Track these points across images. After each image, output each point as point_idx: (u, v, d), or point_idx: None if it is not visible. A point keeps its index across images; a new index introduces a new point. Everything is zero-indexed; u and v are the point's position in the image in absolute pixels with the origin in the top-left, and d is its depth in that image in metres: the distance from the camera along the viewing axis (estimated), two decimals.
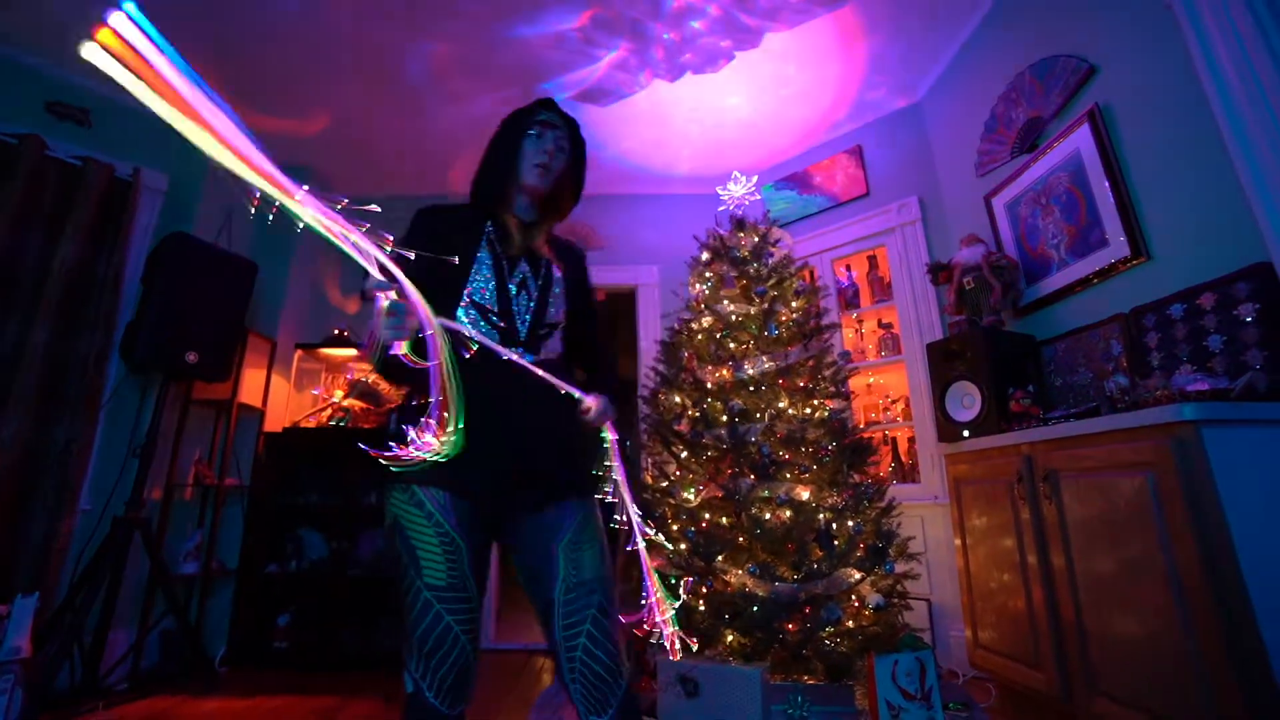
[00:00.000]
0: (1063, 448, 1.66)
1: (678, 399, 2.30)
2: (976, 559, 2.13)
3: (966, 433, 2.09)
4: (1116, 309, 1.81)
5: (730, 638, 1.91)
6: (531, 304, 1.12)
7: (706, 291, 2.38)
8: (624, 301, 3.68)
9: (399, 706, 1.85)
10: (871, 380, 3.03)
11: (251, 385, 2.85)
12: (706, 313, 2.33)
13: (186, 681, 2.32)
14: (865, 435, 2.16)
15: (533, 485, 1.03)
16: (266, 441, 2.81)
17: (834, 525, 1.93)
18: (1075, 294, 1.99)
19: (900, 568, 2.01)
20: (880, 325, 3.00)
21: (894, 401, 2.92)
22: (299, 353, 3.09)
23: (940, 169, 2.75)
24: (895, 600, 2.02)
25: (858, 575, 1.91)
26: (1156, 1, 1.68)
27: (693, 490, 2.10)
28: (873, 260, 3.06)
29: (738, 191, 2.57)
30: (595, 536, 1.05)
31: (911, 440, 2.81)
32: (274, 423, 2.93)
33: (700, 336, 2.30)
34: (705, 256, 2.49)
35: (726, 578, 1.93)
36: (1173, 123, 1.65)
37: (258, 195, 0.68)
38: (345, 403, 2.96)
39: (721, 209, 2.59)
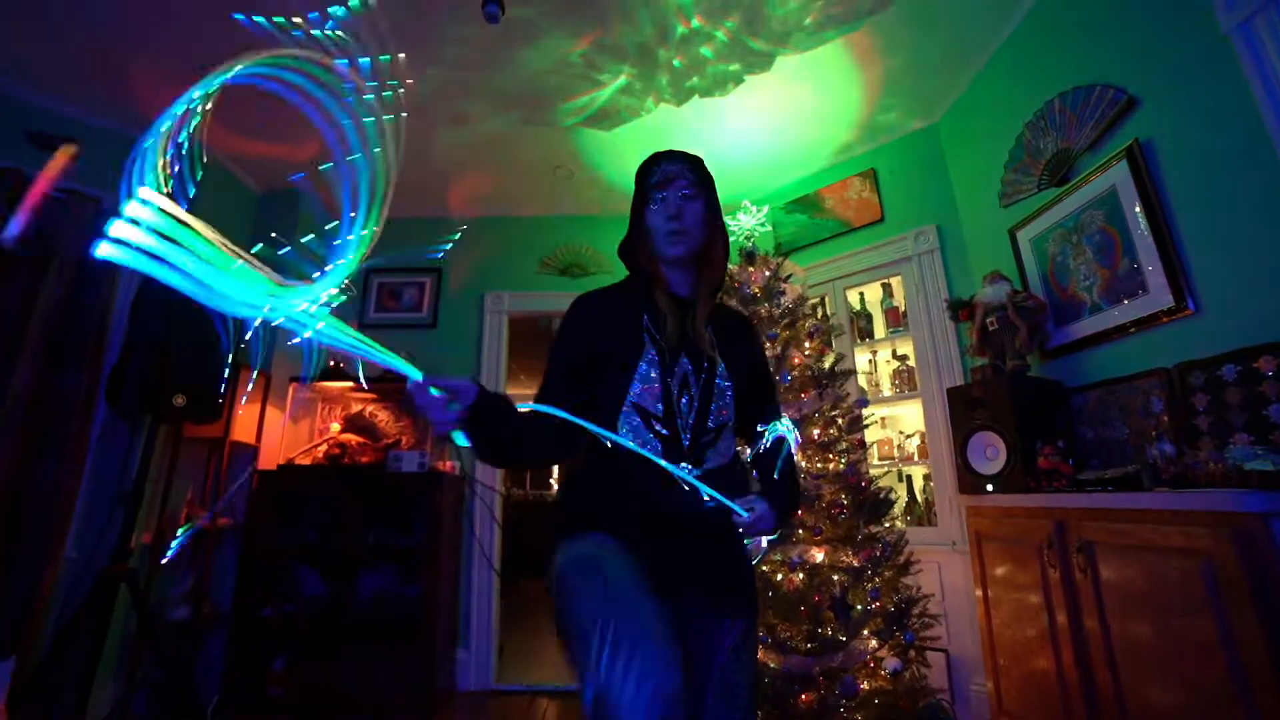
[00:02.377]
0: (1100, 518, 1.54)
1: None
2: (1000, 615, 2.01)
3: (990, 486, 1.97)
4: (1158, 362, 1.68)
5: None
6: (695, 406, 1.01)
7: None
8: None
9: None
10: (885, 414, 2.91)
11: (245, 421, 2.77)
12: None
13: None
14: (882, 488, 2.05)
15: (696, 585, 0.97)
16: (261, 479, 2.73)
17: (849, 592, 1.82)
18: (1110, 341, 1.86)
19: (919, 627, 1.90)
20: (895, 356, 2.88)
21: (909, 437, 2.80)
22: (293, 385, 3.00)
23: (960, 196, 2.62)
24: (913, 655, 1.91)
25: (875, 644, 1.80)
26: (1210, 30, 1.54)
27: None
28: (887, 287, 2.93)
29: (747, 223, 2.45)
30: (751, 657, 1.00)
31: (927, 478, 2.69)
32: (268, 459, 2.85)
33: None
34: None
35: None
36: (1227, 164, 1.52)
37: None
38: (342, 437, 2.87)
39: (730, 239, 2.47)
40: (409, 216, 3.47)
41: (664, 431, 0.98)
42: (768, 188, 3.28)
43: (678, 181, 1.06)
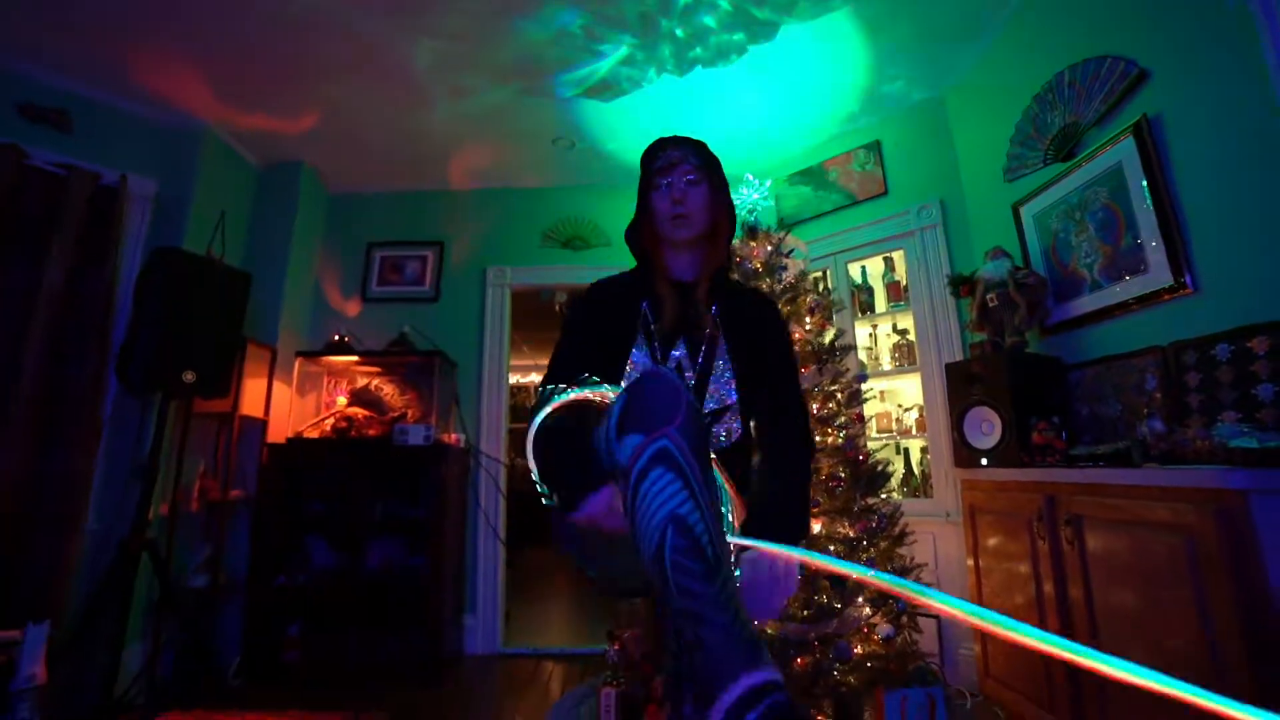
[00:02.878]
0: (1089, 493, 1.58)
1: None
2: (990, 584, 2.08)
3: (985, 461, 2.01)
4: (1154, 340, 1.70)
5: None
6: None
7: None
8: None
9: None
10: (884, 387, 2.94)
11: (252, 395, 2.81)
12: None
13: (200, 695, 2.35)
14: (879, 460, 2.09)
15: None
16: (270, 452, 2.79)
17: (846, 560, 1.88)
18: (1109, 319, 1.87)
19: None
20: (895, 330, 2.89)
21: (907, 410, 2.84)
22: (299, 359, 3.03)
23: (965, 170, 2.59)
24: (905, 621, 1.99)
25: (869, 611, 1.88)
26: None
27: None
28: (888, 261, 2.93)
29: (749, 196, 2.44)
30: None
31: (924, 450, 2.74)
32: (277, 432, 2.90)
33: None
34: None
35: None
36: (1237, 142, 1.51)
37: None
38: (349, 410, 2.91)
39: (736, 215, 2.46)
40: (410, 189, 3.45)
41: None
42: (771, 159, 3.24)
43: (681, 166, 1.08)
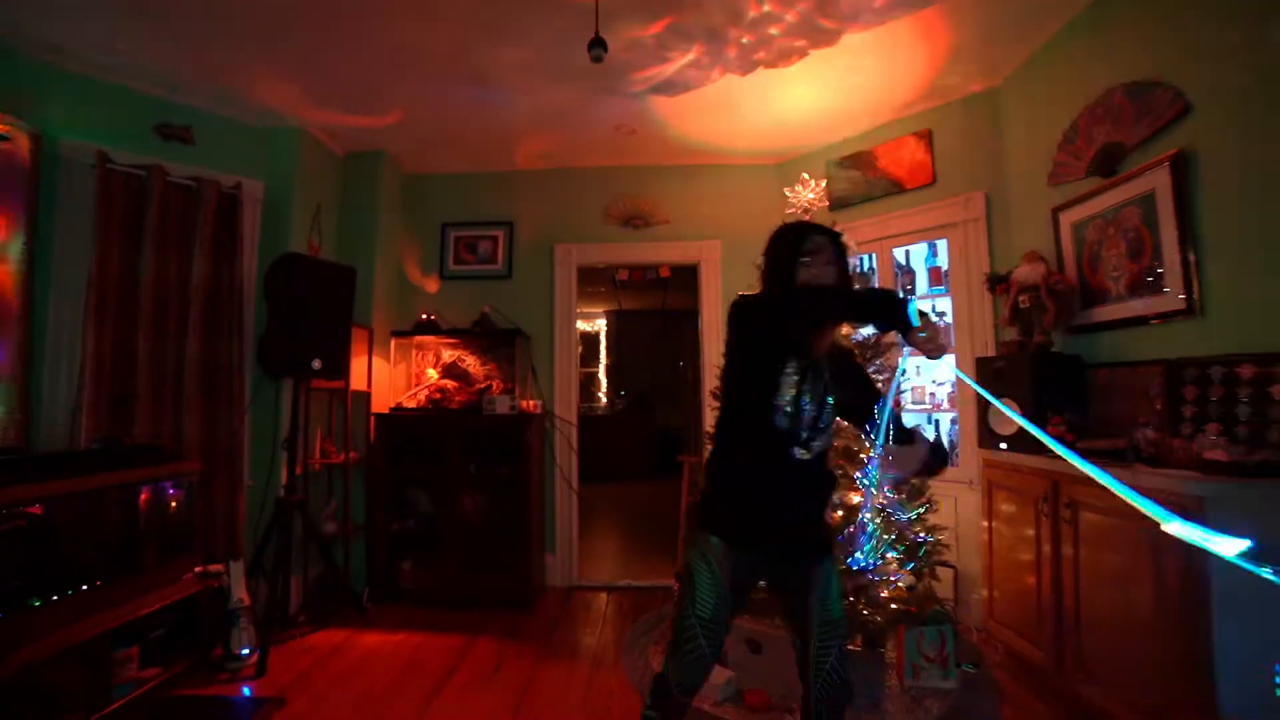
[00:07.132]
0: (1086, 483, 1.91)
1: None
2: (1000, 542, 2.47)
3: (1004, 445, 2.34)
4: (1162, 353, 1.96)
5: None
6: (806, 413, 1.33)
7: None
8: (687, 277, 3.83)
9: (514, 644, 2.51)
10: (919, 362, 3.22)
11: (357, 371, 3.23)
12: None
13: (344, 614, 2.94)
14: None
15: (796, 551, 1.34)
16: (377, 421, 3.25)
17: (878, 523, 2.28)
18: (1127, 328, 2.12)
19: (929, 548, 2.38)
20: (934, 312, 3.14)
21: (940, 384, 3.14)
22: (394, 340, 3.43)
23: (1011, 167, 2.73)
24: (926, 571, 2.41)
25: (896, 566, 2.29)
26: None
27: None
28: (932, 246, 3.12)
29: (805, 194, 2.64)
30: (838, 586, 1.35)
31: (954, 421, 3.06)
32: (379, 401, 3.35)
33: None
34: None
35: None
36: (1264, 187, 1.66)
37: None
38: (441, 383, 3.33)
39: (789, 211, 2.67)
40: (478, 171, 3.68)
41: (788, 425, 1.32)
42: (823, 142, 3.36)
43: (825, 253, 1.36)
